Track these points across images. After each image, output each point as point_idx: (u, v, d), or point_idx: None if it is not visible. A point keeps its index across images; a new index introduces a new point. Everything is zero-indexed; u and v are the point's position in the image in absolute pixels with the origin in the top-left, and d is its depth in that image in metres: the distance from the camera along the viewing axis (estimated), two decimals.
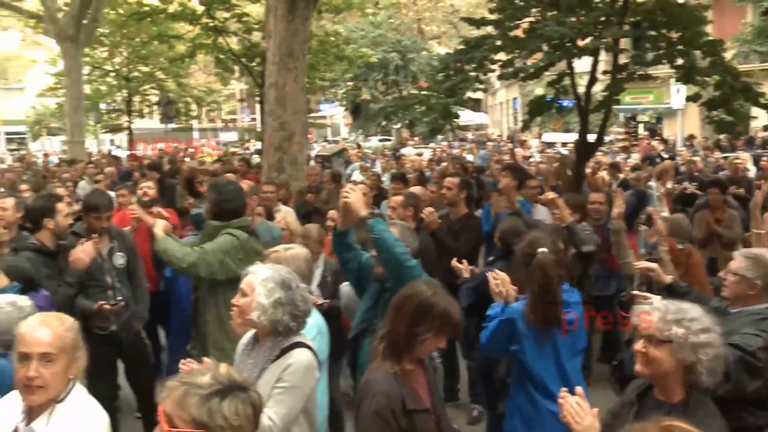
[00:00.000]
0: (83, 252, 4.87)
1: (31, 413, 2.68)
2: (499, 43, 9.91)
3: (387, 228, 4.04)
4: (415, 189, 7.27)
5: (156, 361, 6.42)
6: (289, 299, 3.14)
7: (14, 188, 9.55)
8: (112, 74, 26.60)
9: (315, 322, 3.73)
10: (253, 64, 18.61)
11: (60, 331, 2.68)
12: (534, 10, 10.14)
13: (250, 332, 3.33)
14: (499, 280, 4.00)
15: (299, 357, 3.14)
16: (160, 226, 4.79)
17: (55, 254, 5.09)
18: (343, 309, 5.15)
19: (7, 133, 49.14)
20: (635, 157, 18.19)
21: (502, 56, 10.31)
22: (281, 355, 3.15)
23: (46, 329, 2.66)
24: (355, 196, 3.95)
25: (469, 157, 19.84)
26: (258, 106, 23.87)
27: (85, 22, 18.40)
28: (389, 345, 3.06)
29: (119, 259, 5.43)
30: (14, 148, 43.07)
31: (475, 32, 14.22)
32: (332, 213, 6.21)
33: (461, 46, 10.60)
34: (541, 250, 3.85)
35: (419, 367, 3.14)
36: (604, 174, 11.07)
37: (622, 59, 10.12)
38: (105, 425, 2.78)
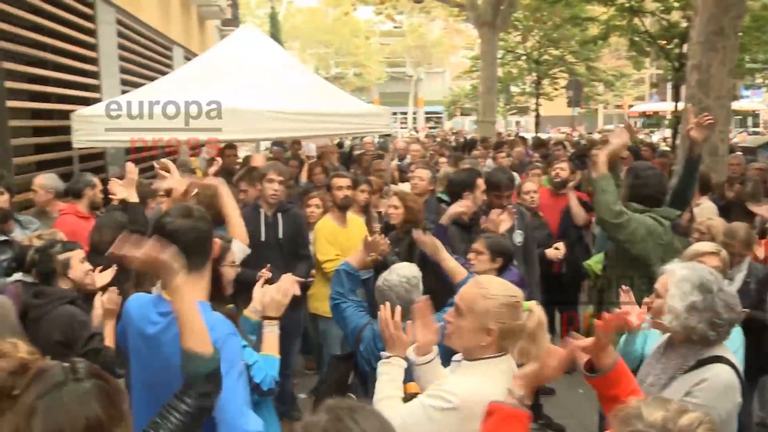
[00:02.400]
0: (489, 222, 4.87)
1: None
2: None
3: None
4: None
5: None
6: (708, 305, 2.70)
7: (436, 162, 10.15)
8: (524, 58, 27.31)
9: (737, 334, 3.21)
10: (671, 45, 17.47)
11: (474, 291, 2.56)
12: None
13: (665, 335, 2.96)
14: None
15: (719, 373, 2.67)
16: (603, 158, 4.48)
17: (470, 227, 5.15)
18: None
19: (427, 112, 54.53)
20: None
21: None
22: (696, 367, 2.72)
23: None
24: None
25: None
26: (669, 92, 22.41)
27: (502, 8, 19.10)
28: None
29: (518, 237, 5.45)
30: (432, 126, 47.75)
31: None
32: None
33: None
34: None
35: None
36: None
37: None
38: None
